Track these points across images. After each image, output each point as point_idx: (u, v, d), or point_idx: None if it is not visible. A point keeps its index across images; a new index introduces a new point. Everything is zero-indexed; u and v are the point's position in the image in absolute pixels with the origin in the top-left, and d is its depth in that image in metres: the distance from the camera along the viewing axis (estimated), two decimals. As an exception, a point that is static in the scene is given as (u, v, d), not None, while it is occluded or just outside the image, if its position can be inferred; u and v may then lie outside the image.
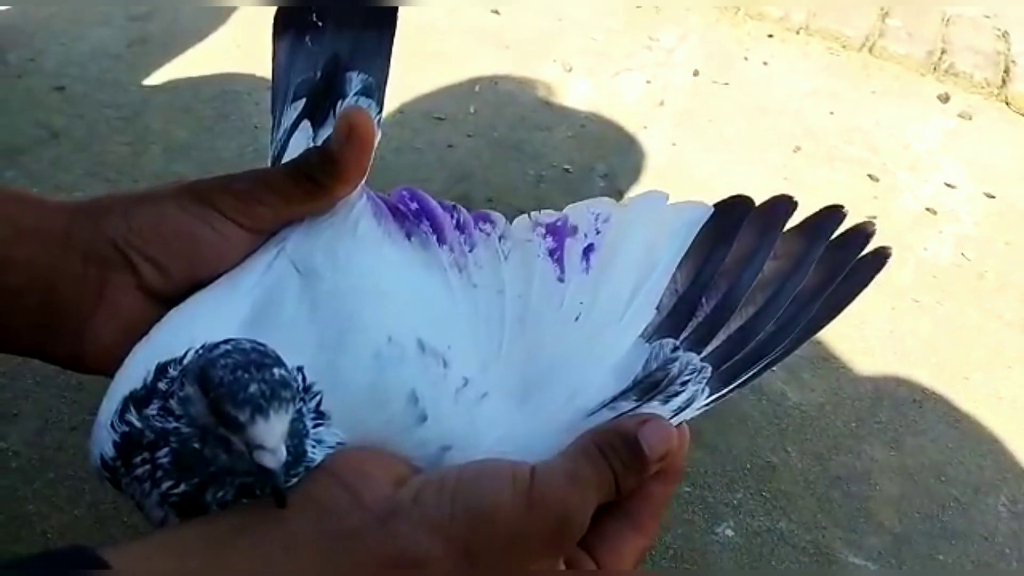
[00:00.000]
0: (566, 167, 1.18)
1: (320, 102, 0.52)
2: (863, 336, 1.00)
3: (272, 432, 0.34)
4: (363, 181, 0.48)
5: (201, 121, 1.18)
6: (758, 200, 0.50)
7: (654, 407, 0.42)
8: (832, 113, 1.32)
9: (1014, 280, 1.09)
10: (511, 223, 0.50)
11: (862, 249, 0.48)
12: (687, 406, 0.43)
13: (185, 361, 0.39)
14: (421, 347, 0.42)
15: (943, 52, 1.42)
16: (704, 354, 0.45)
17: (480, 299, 0.46)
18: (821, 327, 0.47)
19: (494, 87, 1.30)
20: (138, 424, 0.38)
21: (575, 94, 1.30)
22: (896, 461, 0.88)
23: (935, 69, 1.41)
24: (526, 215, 0.50)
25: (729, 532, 0.81)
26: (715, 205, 0.50)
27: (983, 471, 0.88)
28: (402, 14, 0.56)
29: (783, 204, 0.49)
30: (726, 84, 1.35)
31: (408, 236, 0.48)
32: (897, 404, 0.94)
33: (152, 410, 0.38)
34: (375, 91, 0.53)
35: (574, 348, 0.44)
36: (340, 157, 0.44)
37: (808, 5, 1.48)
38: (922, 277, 1.08)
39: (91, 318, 0.44)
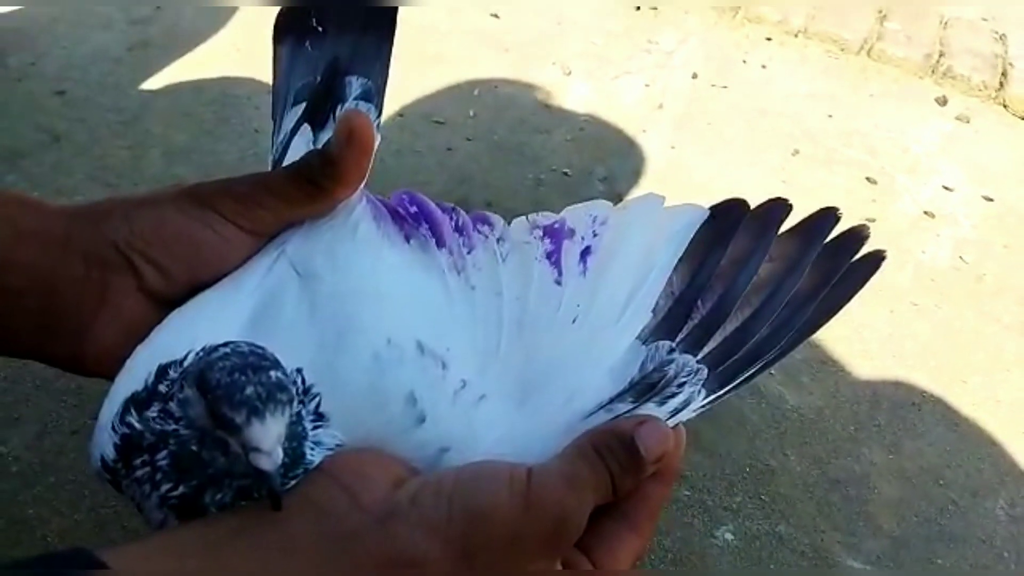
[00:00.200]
0: (565, 170, 1.18)
1: (320, 106, 0.53)
2: (862, 339, 1.00)
3: (268, 434, 0.35)
4: (363, 184, 0.48)
5: (201, 125, 1.18)
6: (755, 203, 0.51)
7: (650, 409, 0.43)
8: (830, 116, 1.32)
9: (1012, 283, 1.09)
10: (509, 225, 0.50)
11: (857, 252, 0.49)
12: (683, 408, 0.43)
13: (186, 363, 0.39)
14: (420, 349, 0.43)
15: (941, 55, 1.43)
16: (700, 356, 0.45)
17: (478, 301, 0.46)
18: (816, 329, 0.48)
19: (493, 90, 1.30)
20: (138, 426, 0.39)
21: (574, 97, 1.31)
22: (895, 464, 0.88)
23: (933, 72, 1.41)
24: (524, 217, 0.50)
25: (728, 536, 0.81)
26: (711, 208, 0.50)
27: (981, 474, 0.88)
28: (402, 17, 0.57)
29: (779, 207, 0.50)
30: (725, 87, 1.36)
31: (407, 239, 0.48)
32: (896, 407, 0.94)
33: (152, 412, 0.38)
34: (375, 95, 0.54)
35: (571, 350, 0.45)
36: (340, 160, 0.45)
37: (807, 8, 1.48)
38: (920, 280, 1.08)
39: (92, 320, 0.44)
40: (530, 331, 0.45)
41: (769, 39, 1.46)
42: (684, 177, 1.19)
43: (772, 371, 0.47)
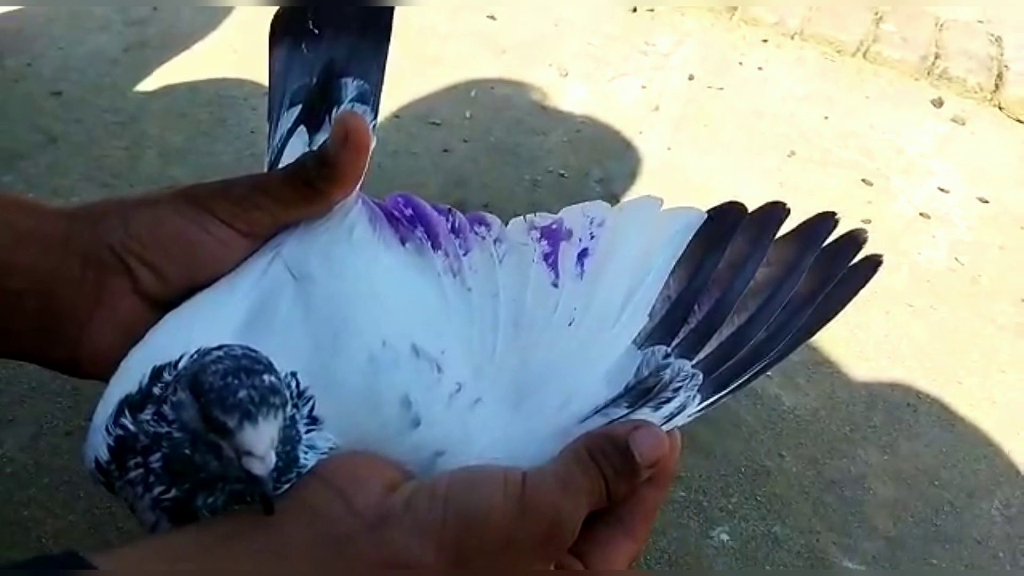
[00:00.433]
0: (562, 172, 1.18)
1: (316, 108, 0.53)
2: (857, 340, 1.00)
3: (261, 438, 0.35)
4: (359, 186, 0.48)
5: (198, 126, 1.18)
6: (752, 204, 0.50)
7: (645, 414, 0.42)
8: (826, 118, 1.33)
9: (1008, 284, 1.09)
10: (506, 226, 0.50)
11: (854, 256, 0.49)
12: (678, 413, 0.43)
13: (180, 366, 0.39)
14: (415, 352, 0.42)
15: (937, 57, 1.43)
16: (696, 361, 0.45)
17: (474, 303, 0.46)
18: (812, 334, 0.47)
19: (490, 91, 1.30)
20: (132, 428, 0.39)
21: (571, 99, 1.31)
22: (890, 465, 0.89)
23: (929, 74, 1.41)
24: (521, 218, 0.50)
25: (724, 536, 0.81)
26: (708, 211, 0.50)
27: (977, 475, 0.89)
28: (398, 19, 0.57)
29: (776, 211, 0.50)
30: (721, 89, 1.36)
31: (403, 241, 0.48)
32: (891, 408, 0.94)
33: (146, 415, 0.38)
34: (370, 97, 0.54)
35: (567, 354, 0.44)
36: (336, 162, 0.45)
37: (803, 10, 1.49)
38: (916, 282, 1.08)
39: (88, 322, 0.44)
40: (526, 333, 0.45)
41: (765, 41, 1.46)
42: (680, 178, 1.20)
43: (768, 374, 0.46)
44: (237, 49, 1.31)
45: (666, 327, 0.46)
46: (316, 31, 0.54)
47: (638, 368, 0.44)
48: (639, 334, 0.45)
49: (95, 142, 1.13)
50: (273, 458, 0.35)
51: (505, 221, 0.50)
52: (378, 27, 0.55)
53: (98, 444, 0.40)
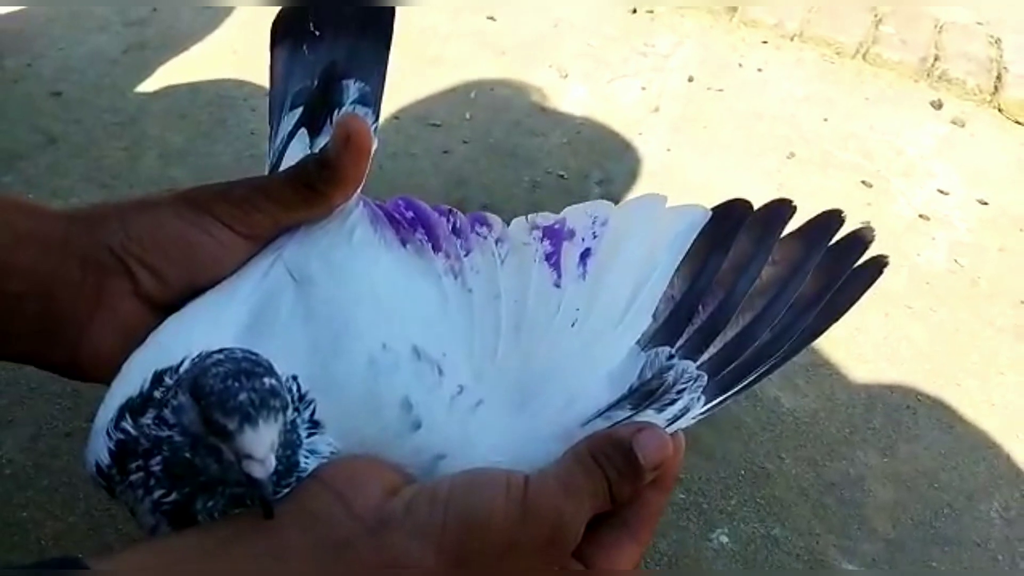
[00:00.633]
0: (561, 173, 1.18)
1: (317, 110, 0.53)
2: (857, 342, 1.00)
3: (261, 442, 0.35)
4: (360, 189, 0.48)
5: (197, 126, 1.18)
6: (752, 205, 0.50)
7: (649, 416, 0.42)
8: (826, 119, 1.33)
9: (1007, 286, 1.09)
10: (508, 226, 0.50)
11: (860, 255, 0.48)
12: (682, 415, 0.43)
13: (181, 369, 0.39)
14: (416, 354, 0.42)
15: (936, 59, 1.43)
16: (700, 362, 0.45)
17: (476, 305, 0.46)
18: (818, 335, 0.47)
19: (490, 93, 1.30)
20: (133, 432, 0.39)
21: (571, 100, 1.31)
22: (890, 467, 0.89)
23: (928, 76, 1.41)
24: (523, 218, 0.50)
25: (724, 538, 0.81)
26: (713, 209, 0.49)
27: (976, 477, 0.89)
28: (398, 20, 0.56)
29: (782, 209, 0.49)
30: (721, 90, 1.36)
31: (404, 243, 0.48)
32: (891, 410, 0.94)
33: (147, 419, 0.38)
34: (372, 99, 0.54)
35: (570, 355, 0.44)
36: (337, 164, 0.45)
37: (802, 12, 1.49)
38: (916, 283, 1.08)
39: (89, 325, 0.44)
40: (528, 335, 0.45)
41: (765, 42, 1.46)
42: (680, 180, 1.20)
43: (770, 376, 0.46)
44: (237, 50, 1.31)
45: (670, 328, 0.45)
46: (317, 33, 0.54)
47: (641, 370, 0.44)
48: (643, 335, 0.45)
49: (95, 143, 1.13)
50: (273, 461, 0.35)
51: (505, 222, 0.50)
52: (379, 29, 0.55)
53: (99, 448, 0.40)
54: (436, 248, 0.47)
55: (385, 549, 0.36)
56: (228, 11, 1.37)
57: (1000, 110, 1.37)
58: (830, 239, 0.49)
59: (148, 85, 1.24)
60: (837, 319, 0.47)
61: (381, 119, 0.55)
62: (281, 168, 0.50)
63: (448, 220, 0.49)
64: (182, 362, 0.39)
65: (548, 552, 0.38)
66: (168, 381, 0.39)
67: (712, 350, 0.45)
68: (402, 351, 0.42)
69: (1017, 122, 1.35)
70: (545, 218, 0.50)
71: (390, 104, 1.23)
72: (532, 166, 1.18)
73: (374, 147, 0.46)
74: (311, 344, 0.42)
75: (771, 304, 0.47)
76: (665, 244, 0.48)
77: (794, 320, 0.46)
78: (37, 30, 1.30)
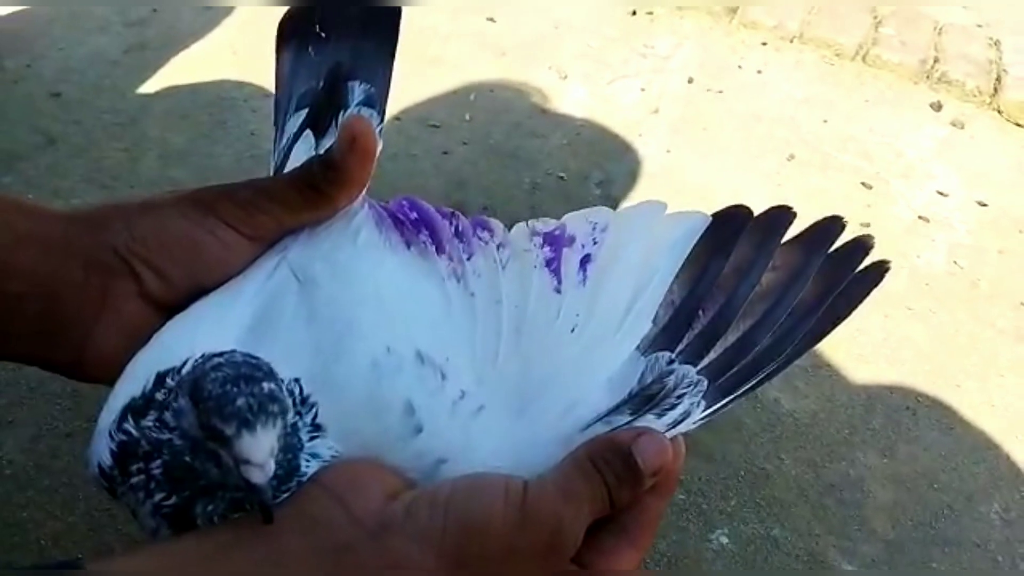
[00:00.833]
0: (561, 174, 1.18)
1: (322, 112, 0.52)
2: (857, 343, 1.00)
3: (259, 447, 0.34)
4: (364, 191, 0.48)
5: (198, 127, 1.18)
6: (754, 208, 0.50)
7: (649, 421, 0.42)
8: (826, 121, 1.33)
9: (1007, 288, 1.10)
10: (509, 231, 0.50)
11: (860, 262, 0.48)
12: (683, 419, 0.43)
13: (184, 371, 0.39)
14: (419, 358, 0.42)
15: (936, 61, 1.43)
16: (700, 367, 0.45)
17: (478, 309, 0.46)
18: (819, 340, 0.47)
19: (490, 94, 1.30)
20: (135, 434, 0.39)
21: (570, 101, 1.31)
22: (889, 468, 0.89)
23: (928, 77, 1.41)
24: (524, 223, 0.50)
25: (723, 539, 0.81)
26: (713, 215, 0.49)
27: (976, 478, 0.89)
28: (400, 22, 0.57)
29: (782, 215, 0.49)
30: (720, 92, 1.36)
31: (408, 245, 0.48)
32: (890, 411, 0.94)
33: (149, 421, 0.38)
34: (377, 101, 0.54)
35: (570, 361, 0.44)
36: (343, 166, 0.45)
37: (802, 14, 1.49)
38: (915, 285, 1.09)
39: (93, 326, 0.44)
40: (528, 340, 0.45)
41: (765, 44, 1.46)
42: (679, 181, 1.20)
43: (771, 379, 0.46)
44: (237, 50, 1.31)
45: (670, 333, 0.45)
46: (323, 34, 0.54)
47: (642, 374, 0.44)
48: (643, 340, 0.45)
49: (95, 144, 1.13)
50: (272, 466, 0.35)
51: (505, 223, 0.50)
52: (385, 30, 0.55)
53: (101, 449, 0.39)
54: (440, 250, 0.47)
55: (385, 553, 0.36)
56: (228, 11, 1.37)
57: (1000, 112, 1.37)
58: (830, 245, 0.48)
59: (148, 86, 1.24)
60: (838, 324, 0.47)
61: (381, 120, 0.55)
62: (286, 170, 0.50)
63: (451, 223, 0.49)
64: (184, 363, 0.39)
65: (547, 557, 0.38)
66: (170, 382, 0.39)
67: (712, 355, 0.45)
68: (406, 354, 0.42)
69: (1017, 124, 1.36)
70: (545, 224, 0.50)
71: (390, 105, 1.22)
72: (532, 167, 1.18)
73: (379, 149, 0.46)
74: (314, 346, 0.42)
75: (772, 309, 0.47)
76: (665, 249, 0.48)
77: (795, 325, 0.46)
78: (37, 31, 1.30)
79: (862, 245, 0.49)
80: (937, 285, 1.09)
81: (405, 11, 0.57)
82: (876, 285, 0.48)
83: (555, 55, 1.39)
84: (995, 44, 1.48)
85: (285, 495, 0.38)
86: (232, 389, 0.35)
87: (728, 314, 0.46)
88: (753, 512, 0.83)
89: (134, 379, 0.40)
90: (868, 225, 1.15)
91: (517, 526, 0.37)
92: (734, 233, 0.48)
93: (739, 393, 0.45)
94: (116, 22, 1.34)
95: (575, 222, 0.50)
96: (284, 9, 0.56)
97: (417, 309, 0.45)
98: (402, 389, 0.41)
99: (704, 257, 0.48)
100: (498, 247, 0.48)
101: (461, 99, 1.28)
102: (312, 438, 0.39)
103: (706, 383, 0.44)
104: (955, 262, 1.12)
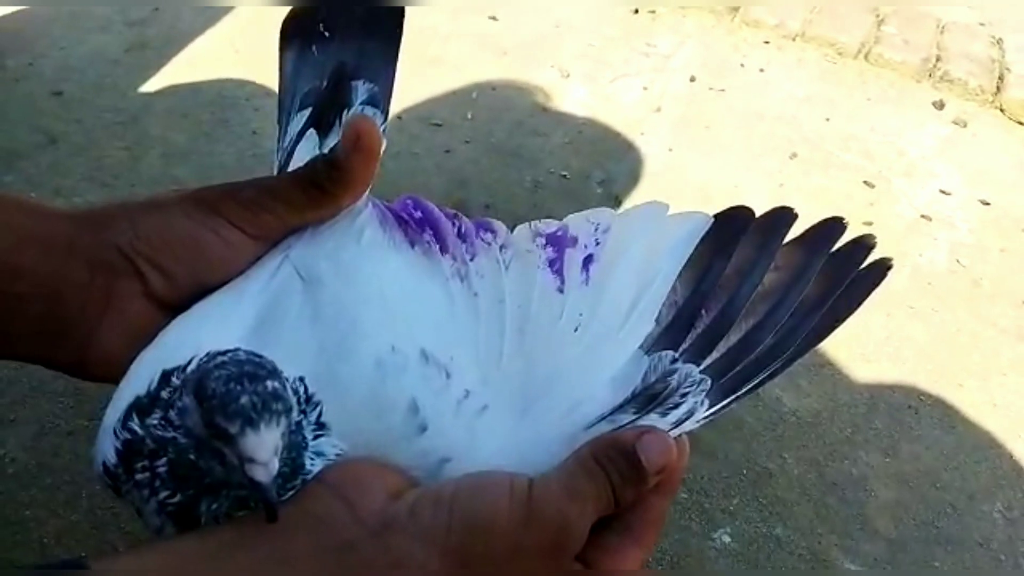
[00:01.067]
0: (563, 173, 1.18)
1: (326, 111, 0.53)
2: (859, 342, 1.00)
3: (263, 445, 0.34)
4: (368, 190, 0.48)
5: (200, 126, 1.18)
6: (753, 206, 0.50)
7: (653, 420, 0.42)
8: (828, 120, 1.33)
9: (1009, 287, 1.10)
10: (511, 231, 0.50)
11: (863, 262, 0.48)
12: (686, 418, 0.43)
13: (188, 369, 0.39)
14: (424, 357, 0.42)
15: (938, 59, 1.43)
16: (704, 366, 0.45)
17: (481, 309, 0.46)
18: (821, 339, 0.47)
19: (492, 93, 1.30)
20: (140, 432, 0.39)
21: (572, 100, 1.31)
22: (892, 467, 0.89)
23: (930, 76, 1.41)
24: (527, 224, 0.50)
25: (726, 538, 0.81)
26: (715, 215, 0.49)
27: (978, 477, 0.89)
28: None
29: (784, 215, 0.49)
30: (722, 90, 1.36)
31: (412, 245, 0.48)
32: (893, 410, 0.94)
33: (154, 419, 0.38)
34: (380, 100, 0.54)
35: (573, 360, 0.44)
36: (347, 165, 0.45)
37: (804, 12, 1.49)
38: (918, 284, 1.08)
39: (97, 325, 0.44)
40: (532, 340, 0.45)
41: (767, 43, 1.46)
42: (681, 180, 1.20)
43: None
44: (239, 49, 1.30)
45: (673, 332, 0.45)
46: (326, 33, 0.54)
47: (645, 374, 0.44)
48: (646, 339, 0.45)
49: (96, 142, 1.13)
50: (276, 465, 0.35)
51: (507, 222, 0.50)
52: (388, 30, 0.55)
53: (106, 447, 0.40)
54: (443, 250, 0.47)
55: (389, 551, 0.36)
56: (229, 10, 1.37)
57: (1002, 110, 1.37)
58: (832, 245, 0.49)
59: (150, 85, 1.24)
60: (840, 324, 0.47)
61: (383, 119, 0.55)
62: (290, 168, 0.50)
63: (454, 224, 0.49)
64: (189, 362, 0.39)
65: (552, 555, 0.38)
66: (175, 381, 0.39)
67: (716, 354, 0.45)
68: (410, 353, 0.42)
69: (1019, 122, 1.36)
70: (548, 225, 0.50)
71: (392, 104, 1.23)
72: (534, 166, 1.18)
73: (383, 148, 0.46)
74: (319, 344, 0.42)
75: (774, 309, 0.47)
76: (667, 249, 0.48)
77: (797, 324, 0.47)
78: (38, 30, 1.30)
79: (864, 245, 0.49)
80: (939, 284, 1.09)
81: (408, 10, 0.57)
82: (878, 284, 0.48)
83: (557, 54, 1.39)
84: (997, 43, 1.48)
85: (290, 493, 0.38)
86: (236, 387, 0.35)
87: (731, 313, 0.46)
88: (756, 511, 0.83)
89: (139, 378, 0.40)
90: (870, 224, 1.15)
91: (521, 524, 0.37)
92: (736, 233, 0.48)
93: (742, 392, 0.45)
94: (117, 21, 1.34)
95: (577, 223, 0.50)
96: (286, 8, 0.56)
97: (421, 308, 0.45)
98: (406, 388, 0.41)
99: (707, 257, 0.48)
100: (501, 248, 0.48)
101: (463, 98, 1.28)
102: (316, 436, 0.39)
103: (709, 382, 0.44)
104: (957, 261, 1.12)
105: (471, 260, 0.47)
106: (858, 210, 1.17)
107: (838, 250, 0.49)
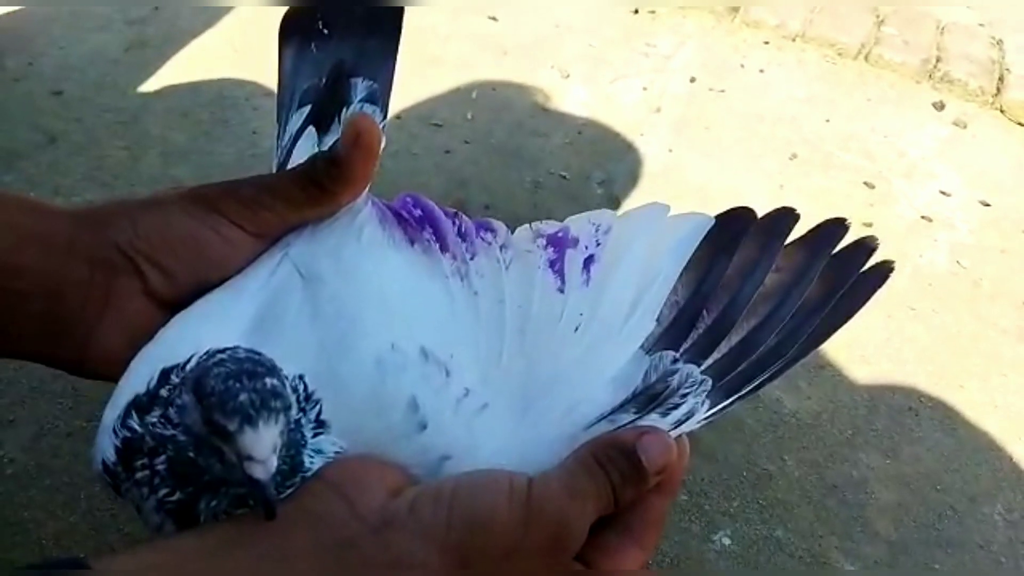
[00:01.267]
0: (563, 173, 1.18)
1: (325, 109, 0.53)
2: (859, 344, 1.00)
3: (262, 443, 0.34)
4: (368, 187, 0.48)
5: (199, 125, 1.18)
6: (756, 207, 0.50)
7: (653, 420, 0.42)
8: (828, 120, 1.33)
9: (1009, 288, 1.10)
10: (512, 232, 0.50)
11: (864, 263, 0.48)
12: (687, 419, 0.43)
13: (188, 367, 0.39)
14: (424, 355, 0.42)
15: (938, 60, 1.43)
16: (704, 366, 0.45)
17: (481, 308, 0.46)
18: (822, 341, 0.47)
19: (492, 93, 1.30)
20: (139, 430, 0.39)
21: (572, 100, 1.31)
22: (892, 469, 0.88)
23: (930, 77, 1.41)
24: (527, 225, 0.50)
25: (726, 540, 0.81)
26: (717, 216, 0.49)
27: (979, 479, 0.89)
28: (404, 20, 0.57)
29: (786, 216, 0.49)
30: (722, 91, 1.36)
31: (412, 243, 0.48)
32: (893, 412, 0.94)
33: (153, 417, 0.38)
34: (380, 97, 0.54)
35: (573, 360, 0.44)
36: (346, 163, 0.44)
37: (804, 13, 1.49)
38: (918, 285, 1.08)
39: (97, 323, 0.44)
40: (532, 340, 0.45)
41: (767, 43, 1.46)
42: (681, 181, 1.20)
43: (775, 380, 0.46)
44: (239, 48, 1.30)
45: (674, 333, 0.45)
46: (325, 31, 0.54)
47: (646, 374, 0.44)
48: (647, 340, 0.45)
49: (96, 142, 1.13)
50: (275, 462, 0.35)
51: (506, 222, 0.50)
52: (388, 27, 0.55)
53: (106, 445, 0.39)
54: (443, 248, 0.47)
55: (389, 549, 0.36)
56: (229, 9, 1.37)
57: (1002, 111, 1.37)
58: (834, 247, 0.49)
59: (149, 84, 1.24)
60: (841, 325, 0.47)
61: (383, 119, 0.55)
62: (289, 166, 0.50)
63: (454, 223, 0.49)
64: (189, 360, 0.39)
65: (551, 554, 0.38)
66: (174, 379, 0.39)
67: (717, 355, 0.45)
68: (410, 351, 0.42)
69: (1019, 123, 1.36)
70: (549, 226, 0.50)
71: (392, 104, 1.23)
72: (534, 166, 1.18)
73: (383, 146, 0.46)
74: (318, 342, 0.42)
75: (775, 310, 0.47)
76: (668, 250, 0.48)
77: (799, 325, 0.46)
78: (38, 29, 1.30)
79: (867, 247, 0.49)
80: (940, 285, 1.09)
81: (408, 10, 0.57)
82: (880, 286, 0.48)
83: (557, 54, 1.38)
84: (997, 43, 1.48)
85: (289, 491, 0.38)
86: (235, 385, 0.35)
87: (732, 314, 0.46)
88: (756, 513, 0.83)
89: (138, 376, 0.40)
90: (870, 225, 1.15)
91: (521, 523, 0.37)
92: (737, 234, 0.48)
93: (743, 393, 0.45)
94: (117, 20, 1.34)
95: (578, 224, 0.50)
96: (285, 7, 0.56)
97: (421, 306, 0.45)
98: (406, 386, 0.41)
99: (708, 258, 0.48)
100: (501, 248, 0.48)
101: (463, 98, 1.28)
102: (316, 434, 0.39)
103: (710, 383, 0.44)
104: (958, 262, 1.12)
105: (471, 259, 0.47)
106: (858, 211, 1.17)
107: (840, 252, 0.49)
